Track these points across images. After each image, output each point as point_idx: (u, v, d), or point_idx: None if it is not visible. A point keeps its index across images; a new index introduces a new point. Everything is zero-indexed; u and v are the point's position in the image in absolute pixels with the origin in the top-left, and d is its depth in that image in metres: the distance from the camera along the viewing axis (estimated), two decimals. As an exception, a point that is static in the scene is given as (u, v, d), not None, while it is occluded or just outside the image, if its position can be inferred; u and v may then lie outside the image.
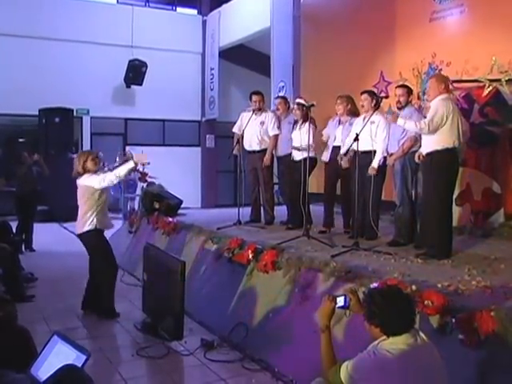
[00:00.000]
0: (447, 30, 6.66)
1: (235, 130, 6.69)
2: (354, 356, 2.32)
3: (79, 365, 2.22)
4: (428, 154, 4.48)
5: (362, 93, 5.39)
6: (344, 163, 5.40)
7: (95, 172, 4.85)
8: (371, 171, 5.09)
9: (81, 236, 4.94)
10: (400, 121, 4.61)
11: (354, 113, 5.77)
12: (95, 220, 4.83)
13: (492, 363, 2.66)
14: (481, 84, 5.89)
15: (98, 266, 4.98)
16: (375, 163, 5.11)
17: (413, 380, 2.20)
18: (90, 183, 4.80)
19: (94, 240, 4.89)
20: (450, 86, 5.17)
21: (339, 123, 5.88)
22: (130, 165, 4.80)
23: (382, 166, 5.22)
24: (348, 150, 5.10)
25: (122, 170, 4.81)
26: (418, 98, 6.64)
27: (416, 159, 4.77)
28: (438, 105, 4.40)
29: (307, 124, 5.70)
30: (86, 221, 4.83)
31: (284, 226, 6.23)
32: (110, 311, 4.95)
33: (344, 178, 5.71)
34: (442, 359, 2.31)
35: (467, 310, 2.84)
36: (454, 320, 2.83)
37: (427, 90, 4.96)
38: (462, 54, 6.21)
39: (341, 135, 5.71)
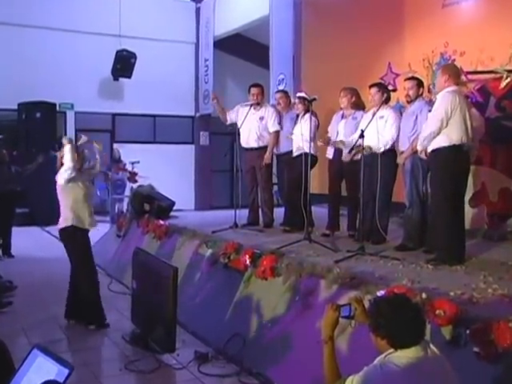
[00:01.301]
0: (461, 17, 6.65)
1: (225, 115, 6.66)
2: (359, 369, 2.31)
3: (61, 380, 2.20)
4: (433, 151, 4.48)
5: (370, 86, 5.39)
6: (345, 157, 5.43)
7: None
8: (401, 160, 5.12)
9: (60, 232, 5.04)
10: (419, 146, 4.61)
11: (358, 106, 5.80)
12: (73, 216, 4.89)
13: (511, 378, 2.65)
14: (497, 75, 5.87)
15: (75, 267, 5.03)
16: (402, 157, 5.10)
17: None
18: (59, 180, 4.90)
19: (71, 237, 4.95)
20: (464, 78, 5.16)
21: (342, 117, 5.89)
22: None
23: (393, 165, 5.23)
24: (352, 147, 5.10)
25: (67, 156, 4.87)
26: (429, 91, 6.63)
27: (417, 149, 4.79)
28: (442, 98, 4.40)
29: (307, 115, 5.70)
30: (65, 216, 4.93)
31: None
32: (98, 320, 4.95)
33: (349, 177, 5.71)
34: (454, 372, 2.30)
35: (483, 320, 2.82)
36: (468, 331, 2.82)
37: (436, 82, 4.96)
38: (477, 42, 6.20)
39: (343, 130, 5.73)
